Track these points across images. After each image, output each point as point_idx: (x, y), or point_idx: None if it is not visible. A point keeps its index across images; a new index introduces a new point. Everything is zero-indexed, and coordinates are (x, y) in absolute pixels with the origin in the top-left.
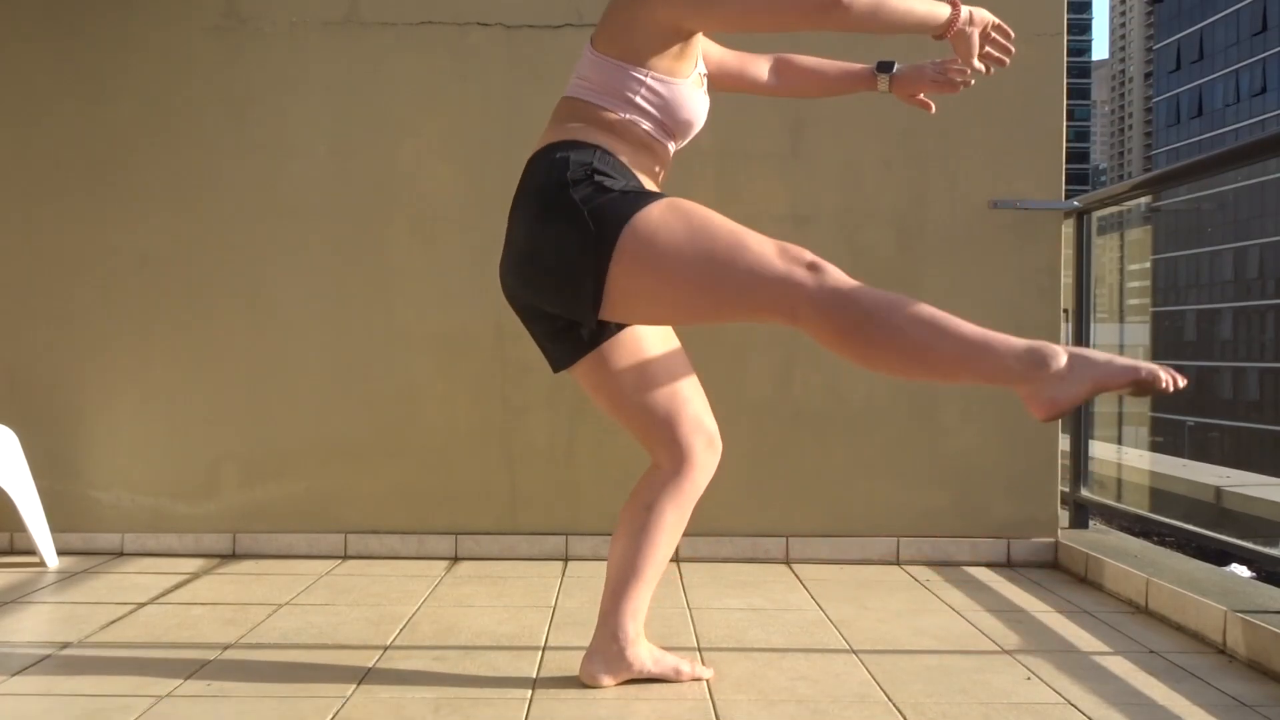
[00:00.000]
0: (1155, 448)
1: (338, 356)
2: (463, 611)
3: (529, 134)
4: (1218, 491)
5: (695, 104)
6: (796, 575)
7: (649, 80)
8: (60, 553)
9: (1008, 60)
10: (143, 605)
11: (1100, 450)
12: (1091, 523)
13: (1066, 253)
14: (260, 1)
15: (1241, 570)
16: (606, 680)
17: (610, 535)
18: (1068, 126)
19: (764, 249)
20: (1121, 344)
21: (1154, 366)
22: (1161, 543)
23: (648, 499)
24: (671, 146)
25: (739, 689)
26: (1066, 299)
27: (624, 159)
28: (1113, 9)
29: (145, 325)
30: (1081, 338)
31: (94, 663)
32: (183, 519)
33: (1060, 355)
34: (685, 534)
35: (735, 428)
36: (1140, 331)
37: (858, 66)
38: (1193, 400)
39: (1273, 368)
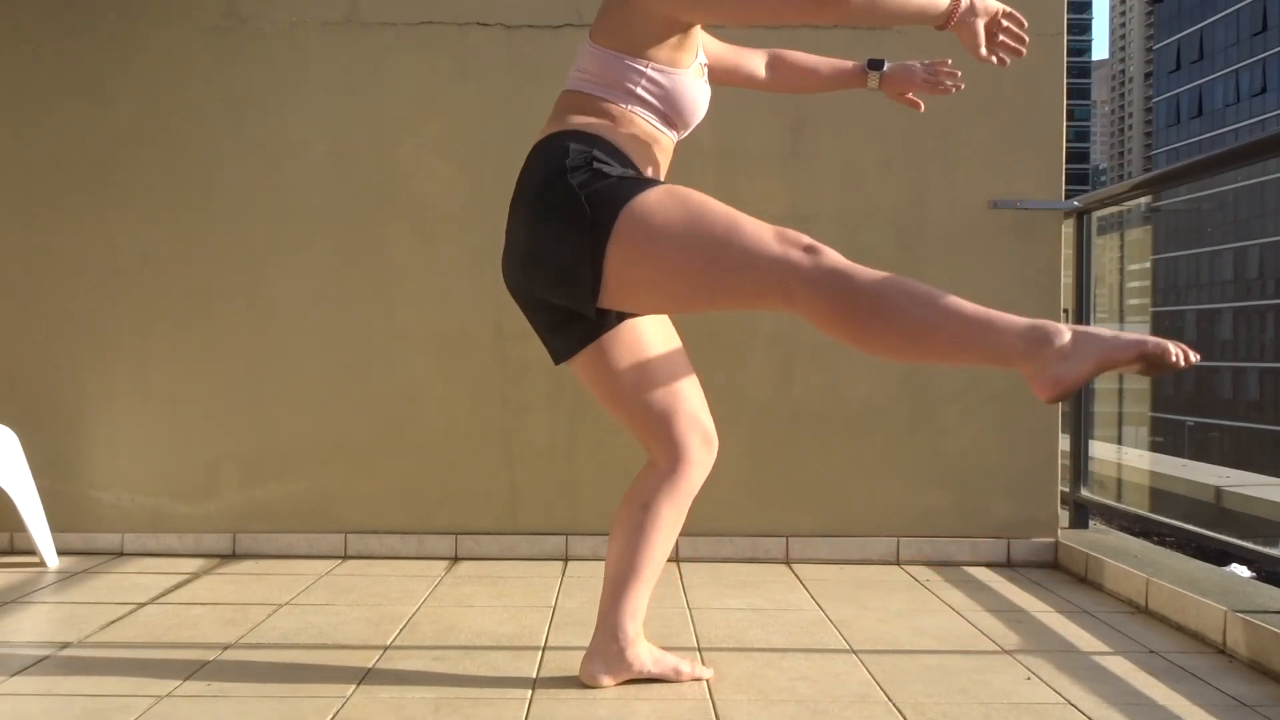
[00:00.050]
0: (1155, 448)
1: (338, 356)
2: (463, 611)
3: (529, 133)
4: (1218, 491)
5: (697, 94)
6: (796, 575)
7: (649, 71)
8: (60, 553)
9: (1023, 50)
10: (143, 605)
11: (1100, 450)
12: (1091, 523)
13: (1066, 253)
14: (260, 1)
15: (1241, 570)
16: (606, 680)
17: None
18: (1068, 126)
19: (760, 232)
20: None
21: (1162, 340)
22: (1161, 543)
23: (644, 498)
24: (673, 137)
25: (739, 689)
26: (1066, 299)
27: (625, 149)
28: (1113, 9)
29: (145, 325)
30: None
31: (94, 663)
32: (183, 519)
33: (1064, 332)
34: (685, 534)
35: (735, 428)
36: (1140, 332)
37: (849, 64)
38: (1193, 400)
39: (1273, 368)
